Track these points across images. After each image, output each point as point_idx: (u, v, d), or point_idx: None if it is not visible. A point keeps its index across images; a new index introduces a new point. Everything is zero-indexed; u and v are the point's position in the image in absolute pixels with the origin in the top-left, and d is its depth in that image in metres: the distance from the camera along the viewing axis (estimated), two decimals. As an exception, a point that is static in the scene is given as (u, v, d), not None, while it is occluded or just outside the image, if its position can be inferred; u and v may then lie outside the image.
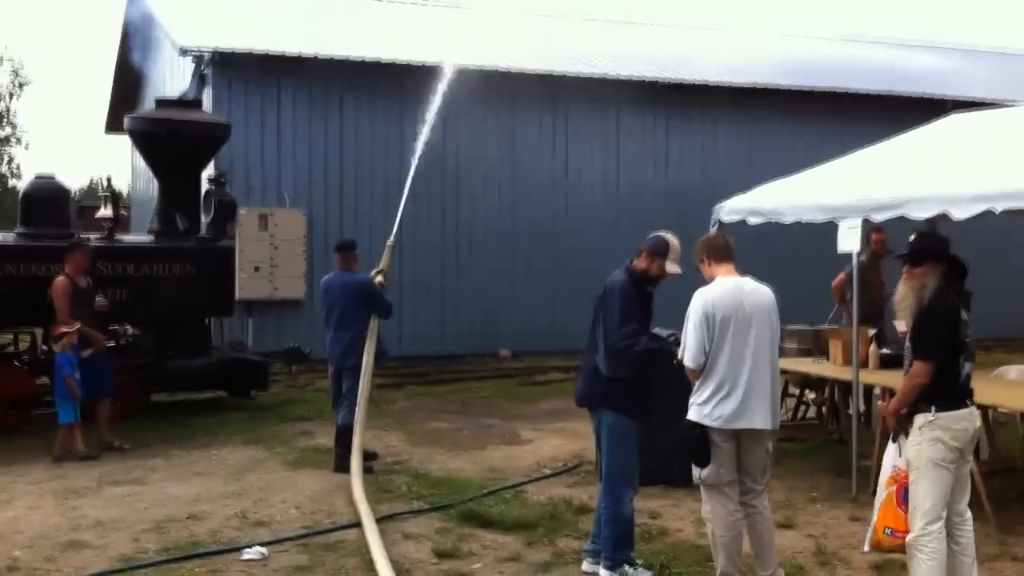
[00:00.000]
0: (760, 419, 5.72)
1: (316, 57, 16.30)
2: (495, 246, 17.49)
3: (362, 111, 16.95)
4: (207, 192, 12.59)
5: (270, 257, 16.03)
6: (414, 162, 9.81)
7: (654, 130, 18.90)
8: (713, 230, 9.42)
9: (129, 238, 12.07)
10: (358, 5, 21.16)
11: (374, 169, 16.84)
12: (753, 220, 9.16)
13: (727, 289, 5.81)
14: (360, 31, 18.08)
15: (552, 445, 10.34)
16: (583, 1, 30.73)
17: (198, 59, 16.24)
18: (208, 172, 12.98)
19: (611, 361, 6.10)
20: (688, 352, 5.80)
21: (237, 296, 15.64)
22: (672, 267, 6.16)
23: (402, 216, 9.71)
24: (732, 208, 9.44)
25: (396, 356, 16.36)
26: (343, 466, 8.60)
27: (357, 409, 8.61)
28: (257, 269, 16.00)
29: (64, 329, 9.67)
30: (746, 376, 5.68)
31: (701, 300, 5.79)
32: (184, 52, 16.11)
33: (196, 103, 12.50)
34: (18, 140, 36.21)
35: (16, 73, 35.21)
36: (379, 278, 9.26)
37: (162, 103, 12.27)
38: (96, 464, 9.38)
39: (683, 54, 20.45)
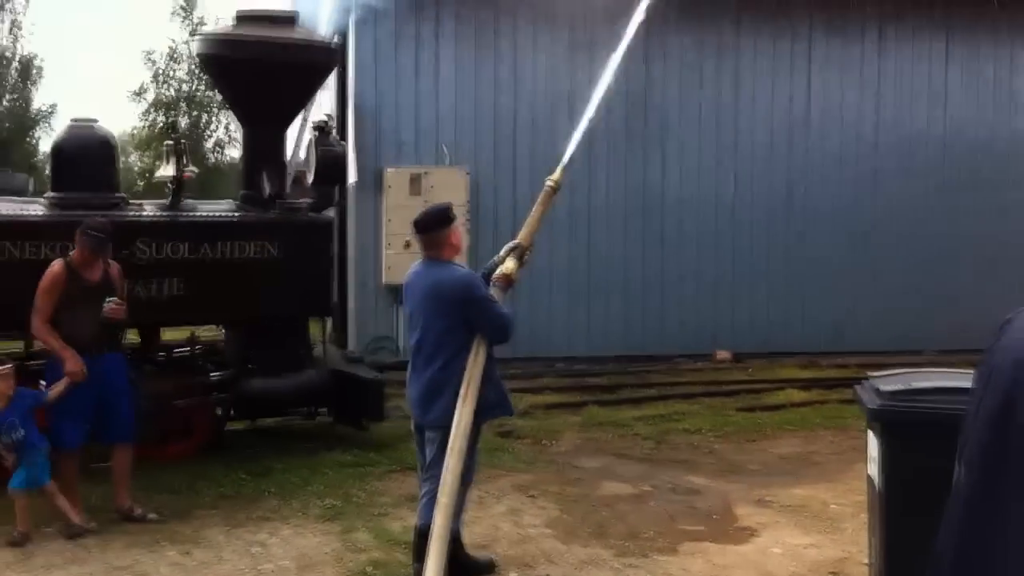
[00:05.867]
0: None
1: (480, -26, 12.77)
2: (709, 216, 13.52)
3: (541, 41, 13.23)
4: (308, 144, 9.27)
5: (425, 228, 12.63)
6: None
7: (930, 56, 14.29)
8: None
9: (207, 207, 8.86)
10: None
11: (556, 114, 13.12)
12: None
13: None
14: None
15: (790, 545, 6.35)
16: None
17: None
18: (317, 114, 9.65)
19: None
20: None
21: (383, 280, 12.57)
22: None
23: (577, 150, 6.23)
24: None
25: (583, 357, 12.88)
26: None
27: (436, 506, 4.97)
28: (407, 246, 12.64)
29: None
30: None
31: None
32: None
33: (289, 18, 9.02)
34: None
35: None
36: (508, 264, 5.53)
37: (245, 18, 8.88)
38: (75, 549, 6.20)
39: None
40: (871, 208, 13.90)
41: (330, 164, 8.98)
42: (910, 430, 4.54)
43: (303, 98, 9.12)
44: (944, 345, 13.54)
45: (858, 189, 13.91)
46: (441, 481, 4.98)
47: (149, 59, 32.80)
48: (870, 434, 4.94)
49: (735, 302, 13.33)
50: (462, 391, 5.12)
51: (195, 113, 33.90)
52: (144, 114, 33.32)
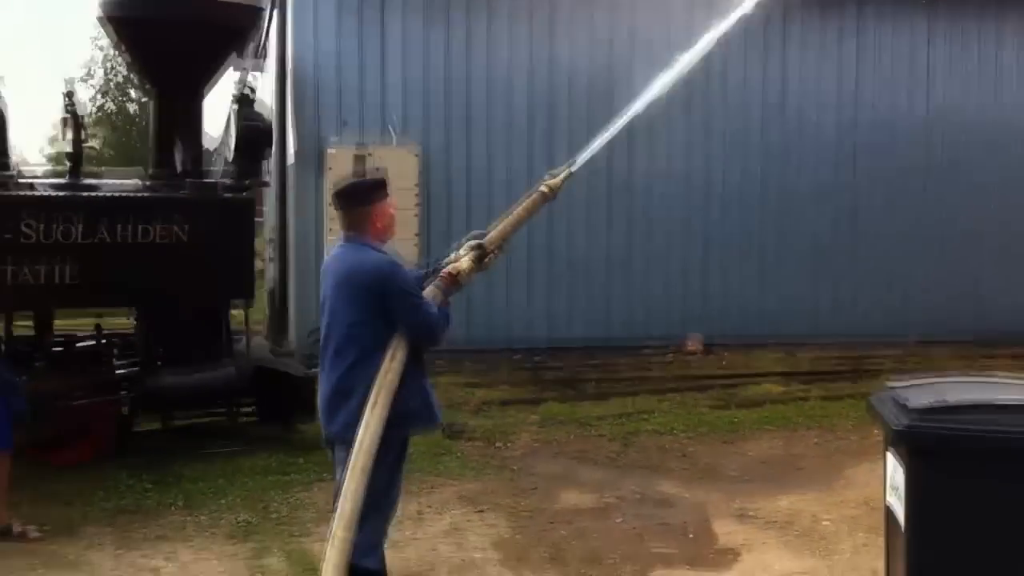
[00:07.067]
0: None
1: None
2: (679, 197, 12.53)
3: (498, 9, 12.20)
4: (228, 115, 8.25)
5: (370, 212, 11.56)
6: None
7: (911, 31, 13.42)
8: None
9: (109, 182, 7.83)
10: None
11: (514, 87, 12.14)
12: None
13: None
14: None
15: (779, 572, 5.41)
16: None
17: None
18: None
19: None
20: None
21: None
22: None
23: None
24: None
25: (542, 348, 11.89)
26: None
27: (330, 540, 4.01)
28: (351, 229, 11.59)
29: None
30: None
31: None
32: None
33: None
34: None
35: None
36: (463, 262, 4.49)
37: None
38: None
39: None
40: (849, 191, 13.02)
41: (252, 138, 7.95)
42: (950, 455, 3.63)
43: (217, 61, 8.08)
44: (926, 332, 12.72)
45: (835, 171, 13.01)
46: (338, 508, 4.01)
47: (96, 44, 31.74)
48: (890, 458, 4.00)
49: (706, 288, 12.41)
50: (372, 396, 4.13)
51: (144, 100, 32.89)
52: (92, 99, 32.07)
